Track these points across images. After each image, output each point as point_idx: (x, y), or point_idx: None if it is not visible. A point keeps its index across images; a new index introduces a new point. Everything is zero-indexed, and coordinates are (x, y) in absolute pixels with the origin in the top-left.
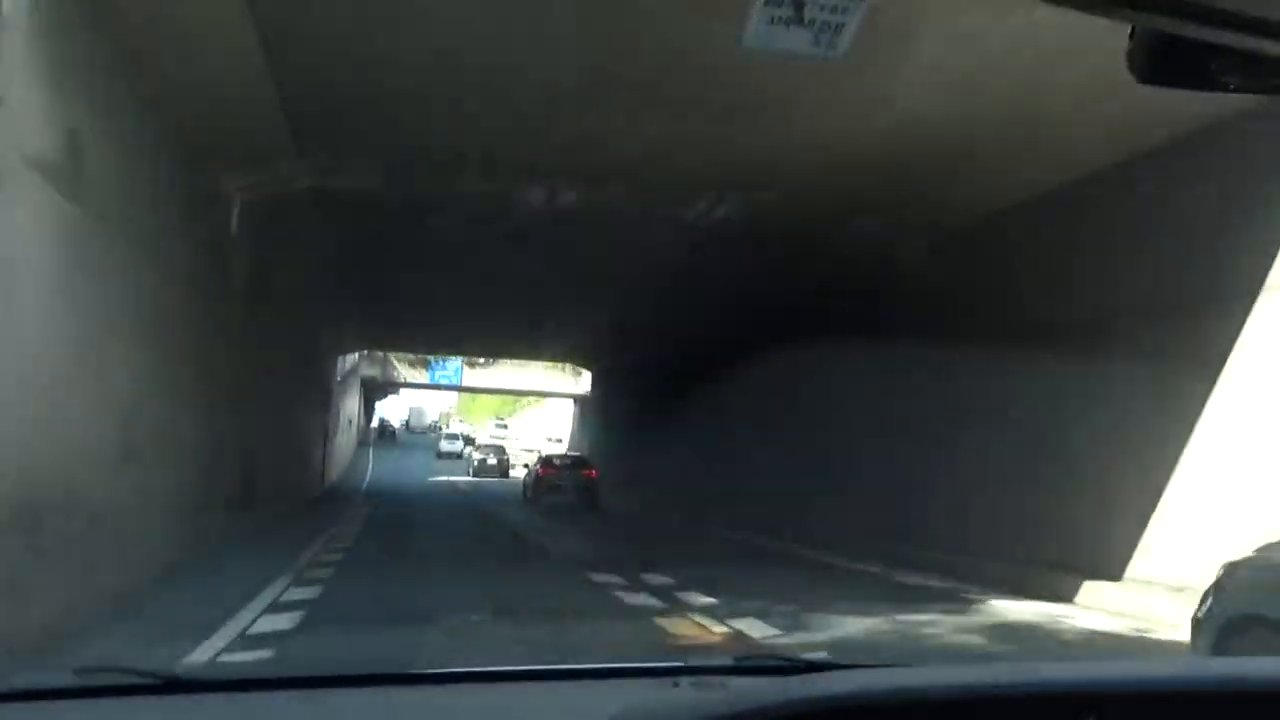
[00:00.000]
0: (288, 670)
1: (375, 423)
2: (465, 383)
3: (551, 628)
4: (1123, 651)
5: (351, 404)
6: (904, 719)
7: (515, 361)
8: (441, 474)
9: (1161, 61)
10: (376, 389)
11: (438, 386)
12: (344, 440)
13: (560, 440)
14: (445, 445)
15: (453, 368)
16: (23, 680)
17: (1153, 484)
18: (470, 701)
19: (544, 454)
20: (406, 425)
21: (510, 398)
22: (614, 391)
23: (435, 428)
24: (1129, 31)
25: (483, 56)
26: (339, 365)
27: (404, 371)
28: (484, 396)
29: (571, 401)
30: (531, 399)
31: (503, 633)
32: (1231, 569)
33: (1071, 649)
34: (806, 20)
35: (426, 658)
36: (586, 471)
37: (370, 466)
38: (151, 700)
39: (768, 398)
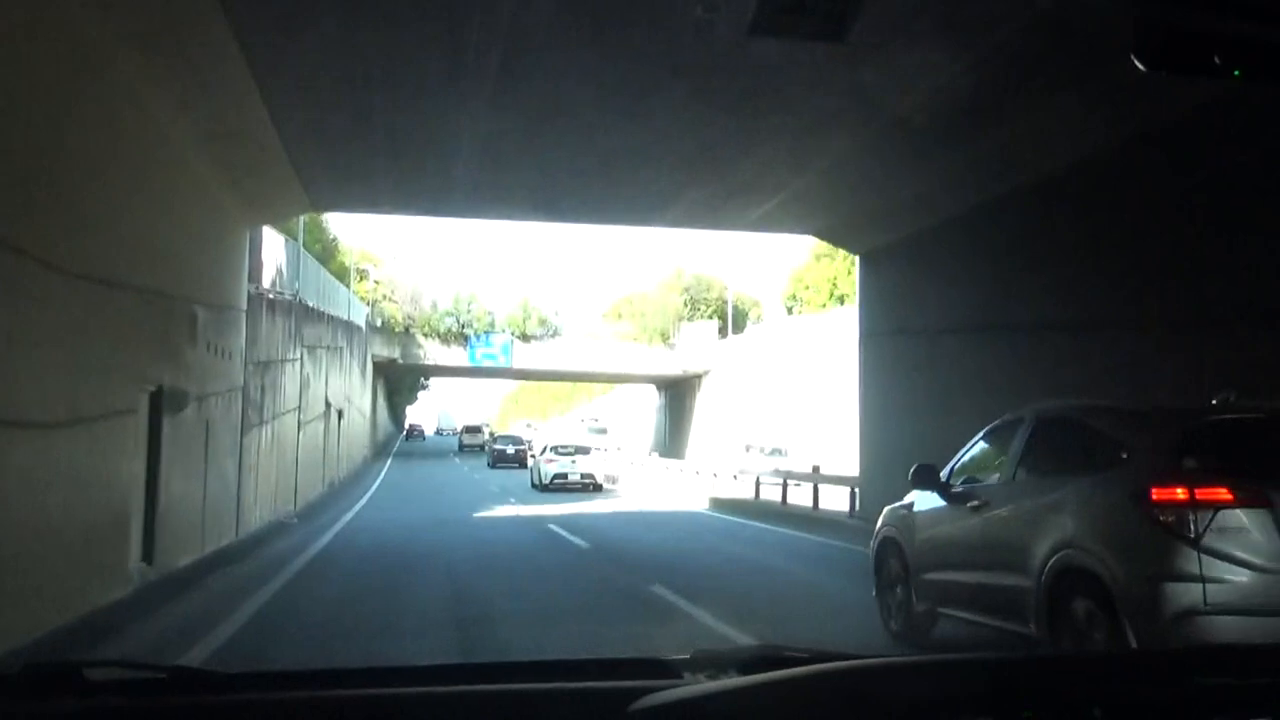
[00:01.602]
0: (295, 665)
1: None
2: (516, 364)
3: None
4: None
5: (343, 384)
6: (905, 708)
7: (588, 334)
8: (504, 500)
9: (1167, 52)
10: (398, 376)
11: (479, 371)
12: (304, 438)
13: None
14: (467, 439)
15: (500, 344)
16: (29, 675)
17: None
18: (480, 697)
19: (548, 444)
20: (438, 430)
21: (555, 395)
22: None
23: (468, 429)
24: (1135, 22)
25: None
26: (256, 259)
27: (434, 352)
28: (529, 395)
29: (654, 389)
30: (582, 393)
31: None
32: (888, 509)
33: None
34: (808, 9)
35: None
36: (589, 459)
37: (376, 483)
38: (155, 695)
39: None
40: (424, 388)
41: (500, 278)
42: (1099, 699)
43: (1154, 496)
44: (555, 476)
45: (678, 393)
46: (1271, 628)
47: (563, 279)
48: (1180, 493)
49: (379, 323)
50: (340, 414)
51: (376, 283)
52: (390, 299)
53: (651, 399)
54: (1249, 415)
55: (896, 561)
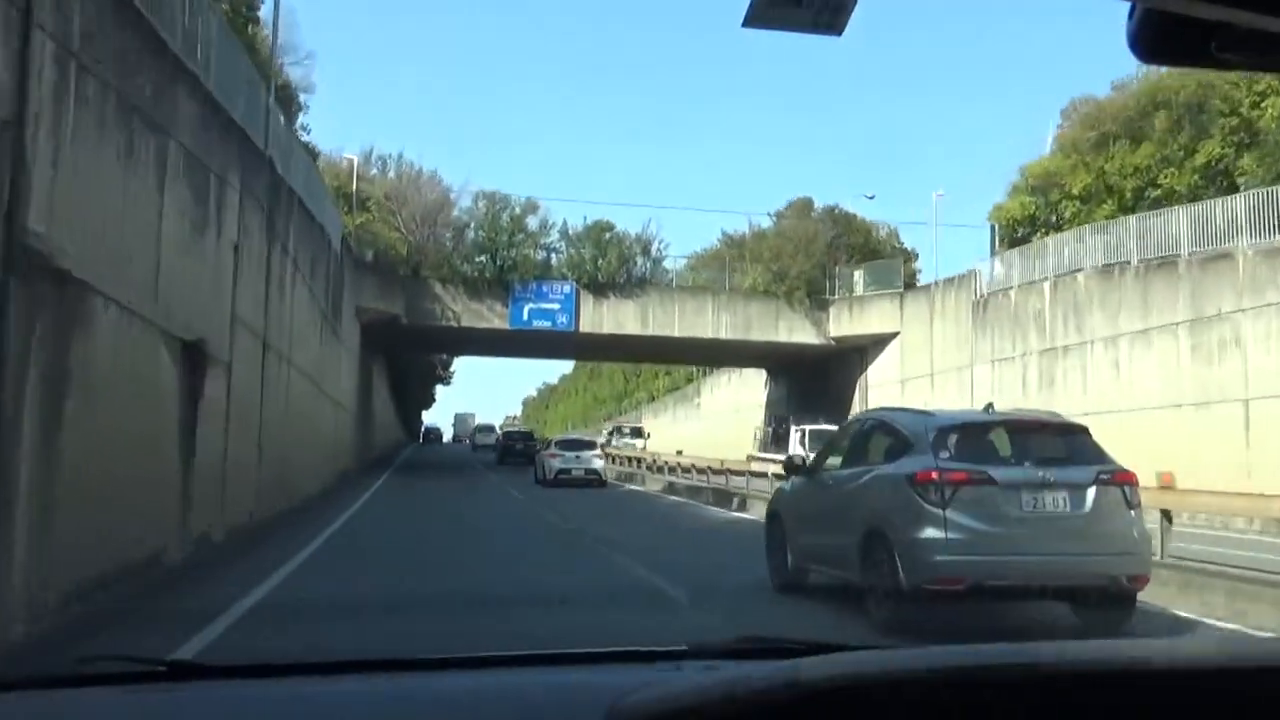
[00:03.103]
0: (290, 656)
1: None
2: (585, 326)
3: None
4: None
5: (244, 293)
6: (906, 699)
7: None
8: None
9: (1161, 41)
10: (403, 352)
11: (525, 341)
12: None
13: None
14: (480, 438)
15: (560, 295)
16: (24, 669)
17: None
18: (473, 686)
19: (552, 440)
20: (454, 436)
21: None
22: None
23: (480, 428)
24: (1129, 11)
25: None
26: None
27: (457, 307)
28: (565, 395)
29: (765, 376)
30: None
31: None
32: (775, 489)
33: None
34: (805, 1)
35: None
36: (594, 454)
37: (308, 551)
38: (154, 688)
39: None
40: (444, 380)
41: (560, 200)
42: (1099, 690)
43: (918, 478)
44: (559, 472)
45: (815, 374)
46: (992, 565)
47: (649, 209)
48: (935, 475)
49: (370, 257)
50: (202, 355)
51: (366, 207)
52: (393, 225)
53: (754, 388)
54: (993, 420)
55: (779, 530)
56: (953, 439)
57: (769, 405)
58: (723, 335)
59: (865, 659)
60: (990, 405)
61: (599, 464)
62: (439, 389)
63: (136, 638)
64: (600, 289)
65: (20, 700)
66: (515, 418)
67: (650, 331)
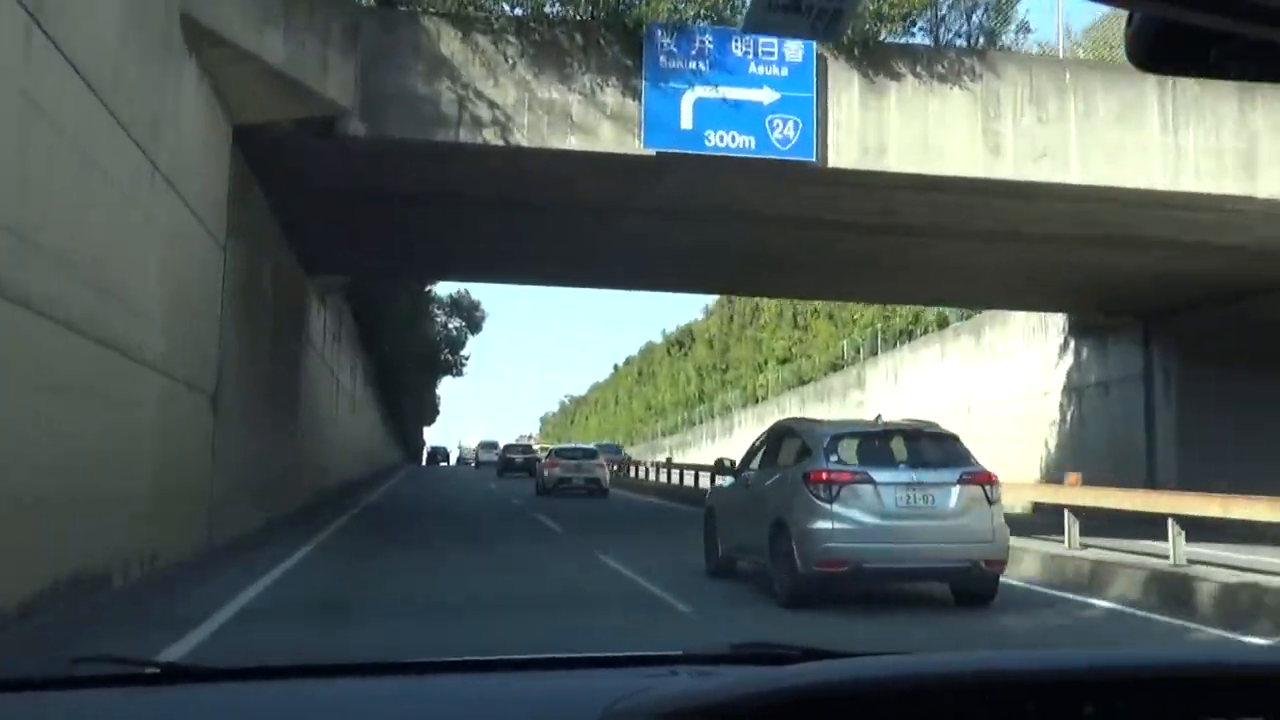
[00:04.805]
0: (284, 659)
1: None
2: (840, 158)
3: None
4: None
5: None
6: (897, 706)
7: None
8: None
9: (1160, 48)
10: (367, 206)
11: (678, 178)
12: None
13: None
14: (483, 454)
15: (775, 69)
16: (18, 671)
17: None
18: (467, 690)
19: (551, 449)
20: (459, 458)
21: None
22: None
23: (484, 445)
24: (1128, 18)
25: None
26: None
27: (507, 98)
28: (591, 409)
29: (1060, 334)
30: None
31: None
32: (712, 488)
33: None
34: (804, 8)
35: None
36: (595, 463)
37: None
38: (148, 690)
39: None
40: (453, 370)
41: None
42: (1080, 696)
43: (811, 478)
44: (560, 481)
45: (1260, 316)
46: (870, 551)
47: None
48: (825, 476)
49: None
50: None
51: None
52: None
53: (1026, 364)
54: (879, 430)
55: (712, 524)
56: (843, 445)
57: (1091, 394)
58: (1185, 185)
59: (857, 665)
60: (879, 415)
61: (600, 473)
62: (445, 390)
63: None
64: (875, 62)
65: (14, 701)
66: (531, 437)
67: (1004, 173)
